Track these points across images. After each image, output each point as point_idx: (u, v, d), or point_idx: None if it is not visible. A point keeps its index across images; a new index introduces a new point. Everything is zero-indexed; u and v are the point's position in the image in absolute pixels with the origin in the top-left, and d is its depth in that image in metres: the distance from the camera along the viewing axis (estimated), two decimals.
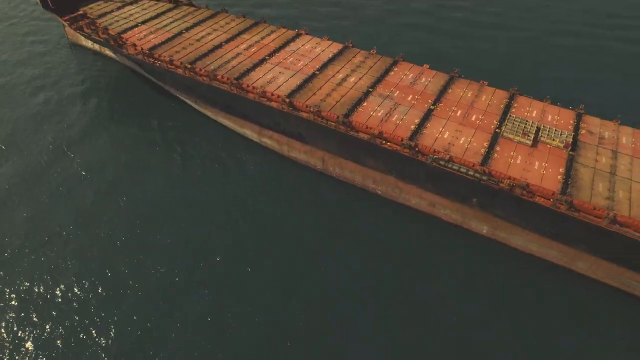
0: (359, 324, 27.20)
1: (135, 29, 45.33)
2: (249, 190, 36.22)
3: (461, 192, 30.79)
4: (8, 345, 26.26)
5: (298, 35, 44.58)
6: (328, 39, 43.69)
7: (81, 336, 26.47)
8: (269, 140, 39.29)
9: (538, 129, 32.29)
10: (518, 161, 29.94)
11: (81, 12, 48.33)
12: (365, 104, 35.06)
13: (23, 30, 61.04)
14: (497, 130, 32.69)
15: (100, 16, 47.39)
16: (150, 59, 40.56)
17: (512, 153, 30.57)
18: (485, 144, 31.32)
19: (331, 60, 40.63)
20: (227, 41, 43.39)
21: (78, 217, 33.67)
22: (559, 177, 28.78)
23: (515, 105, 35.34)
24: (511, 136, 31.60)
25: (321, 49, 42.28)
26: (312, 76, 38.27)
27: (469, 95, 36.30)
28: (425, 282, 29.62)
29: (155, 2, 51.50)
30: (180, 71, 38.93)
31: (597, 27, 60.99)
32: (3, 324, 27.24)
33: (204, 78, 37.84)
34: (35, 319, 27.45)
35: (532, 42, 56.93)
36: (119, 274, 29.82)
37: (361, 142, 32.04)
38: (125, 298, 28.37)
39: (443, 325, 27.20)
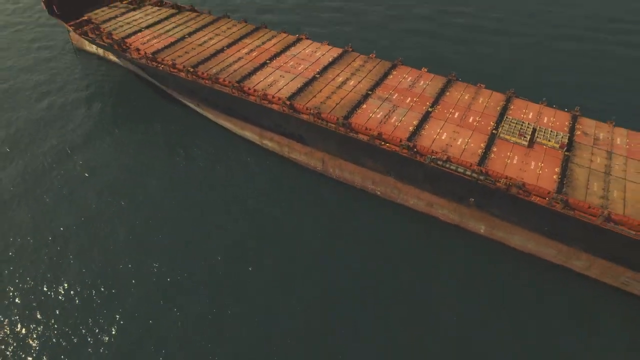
0: (359, 324, 27.32)
1: (139, 33, 46.18)
2: (250, 191, 36.65)
3: (458, 192, 31.22)
4: (12, 342, 26.67)
5: (298, 40, 45.33)
6: (328, 44, 44.43)
7: (82, 334, 26.83)
8: (270, 142, 39.84)
9: (534, 130, 32.78)
10: (515, 161, 30.39)
11: (86, 17, 49.25)
12: (364, 106, 35.63)
13: (29, 36, 62.05)
14: (494, 131, 33.18)
15: (104, 22, 48.29)
16: (154, 63, 41.32)
17: (508, 153, 31.03)
18: (483, 145, 31.79)
19: (331, 64, 41.32)
20: (229, 46, 44.16)
21: (80, 218, 34.15)
22: (554, 176, 29.19)
23: (512, 107, 35.87)
24: (508, 137, 32.08)
25: (321, 53, 43.01)
26: (313, 79, 38.93)
27: (467, 97, 36.86)
28: (425, 282, 29.79)
29: (159, 8, 52.47)
30: (182, 75, 39.65)
31: (599, 32, 61.54)
32: (7, 321, 27.65)
33: (206, 81, 38.53)
34: (39, 316, 27.87)
35: (534, 47, 57.49)
36: (120, 273, 30.20)
37: (360, 143, 32.55)
38: (127, 297, 28.71)
39: (443, 325, 27.29)
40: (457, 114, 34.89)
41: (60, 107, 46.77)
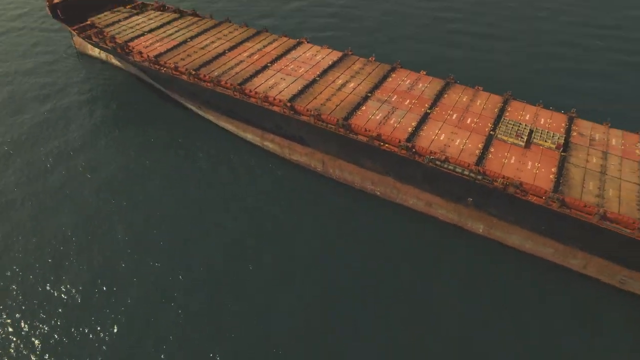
0: (359, 324, 27.29)
1: (142, 37, 46.82)
2: (250, 191, 36.97)
3: (457, 192, 31.59)
4: (15, 340, 26.88)
5: (299, 44, 45.97)
6: (328, 47, 45.09)
7: (83, 333, 27.00)
8: (271, 143, 40.30)
9: (531, 131, 33.25)
10: (512, 161, 30.81)
11: (89, 22, 50.01)
12: (364, 108, 36.13)
13: (31, 40, 62.74)
14: (491, 132, 33.64)
15: (107, 26, 48.96)
16: (156, 66, 41.90)
17: (506, 154, 31.47)
18: (480, 146, 32.24)
19: (331, 67, 41.89)
20: (231, 49, 44.77)
21: (81, 218, 34.45)
22: (551, 176, 29.60)
23: (509, 109, 36.38)
24: (505, 138, 32.54)
25: (321, 56, 43.61)
26: (313, 82, 39.46)
27: (465, 99, 37.39)
28: (425, 281, 29.76)
29: (161, 12, 53.19)
30: (185, 77, 40.20)
31: (595, 37, 62.20)
32: (9, 320, 27.87)
33: (208, 84, 39.08)
34: (40, 314, 28.09)
35: (528, 51, 58.23)
36: (120, 271, 30.41)
37: (360, 144, 32.99)
38: (126, 295, 28.88)
39: (444, 325, 27.14)
40: (455, 116, 35.39)
41: (63, 110, 47.28)
